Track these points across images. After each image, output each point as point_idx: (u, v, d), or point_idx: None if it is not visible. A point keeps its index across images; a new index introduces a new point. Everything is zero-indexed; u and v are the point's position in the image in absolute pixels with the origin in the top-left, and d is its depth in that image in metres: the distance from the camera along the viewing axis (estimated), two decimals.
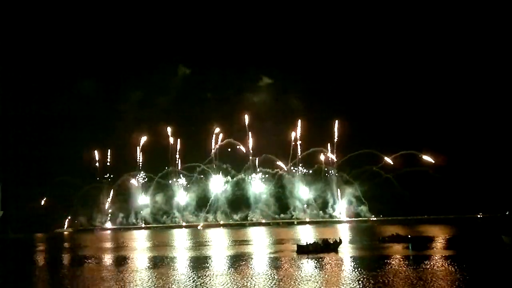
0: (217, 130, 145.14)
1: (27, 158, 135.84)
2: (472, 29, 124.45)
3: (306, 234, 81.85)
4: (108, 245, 78.95)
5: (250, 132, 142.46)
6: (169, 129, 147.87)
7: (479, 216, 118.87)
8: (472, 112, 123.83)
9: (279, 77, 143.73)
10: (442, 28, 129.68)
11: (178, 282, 33.72)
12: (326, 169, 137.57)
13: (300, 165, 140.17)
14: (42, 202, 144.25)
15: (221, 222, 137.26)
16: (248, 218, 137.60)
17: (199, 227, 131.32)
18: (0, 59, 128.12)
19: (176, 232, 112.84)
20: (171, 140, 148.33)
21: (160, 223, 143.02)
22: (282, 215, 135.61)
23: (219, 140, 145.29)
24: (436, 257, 42.20)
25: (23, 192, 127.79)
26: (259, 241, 72.87)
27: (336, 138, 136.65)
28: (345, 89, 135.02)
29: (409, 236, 60.43)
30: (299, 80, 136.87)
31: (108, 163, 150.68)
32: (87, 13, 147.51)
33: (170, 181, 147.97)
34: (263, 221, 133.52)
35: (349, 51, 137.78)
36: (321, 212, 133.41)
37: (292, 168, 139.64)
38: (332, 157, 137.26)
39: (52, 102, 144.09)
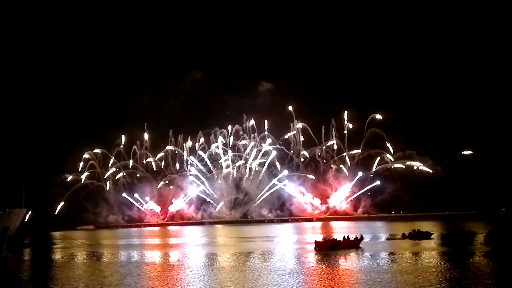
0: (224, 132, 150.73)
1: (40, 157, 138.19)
2: None
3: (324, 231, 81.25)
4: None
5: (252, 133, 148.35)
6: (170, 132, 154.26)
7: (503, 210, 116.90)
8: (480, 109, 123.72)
9: (279, 82, 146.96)
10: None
11: None
12: (325, 166, 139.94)
13: (300, 163, 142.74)
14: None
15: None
16: (247, 214, 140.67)
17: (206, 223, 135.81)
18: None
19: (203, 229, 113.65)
20: (174, 141, 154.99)
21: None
22: (279, 212, 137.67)
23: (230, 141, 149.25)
24: (467, 253, 41.77)
25: (39, 191, 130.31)
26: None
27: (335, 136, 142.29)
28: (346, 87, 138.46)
29: (431, 232, 59.90)
30: (298, 83, 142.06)
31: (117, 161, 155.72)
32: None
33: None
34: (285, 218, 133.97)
35: (349, 50, 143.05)
36: (323, 208, 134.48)
37: (290, 166, 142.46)
38: (325, 155, 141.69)
39: (64, 105, 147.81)
